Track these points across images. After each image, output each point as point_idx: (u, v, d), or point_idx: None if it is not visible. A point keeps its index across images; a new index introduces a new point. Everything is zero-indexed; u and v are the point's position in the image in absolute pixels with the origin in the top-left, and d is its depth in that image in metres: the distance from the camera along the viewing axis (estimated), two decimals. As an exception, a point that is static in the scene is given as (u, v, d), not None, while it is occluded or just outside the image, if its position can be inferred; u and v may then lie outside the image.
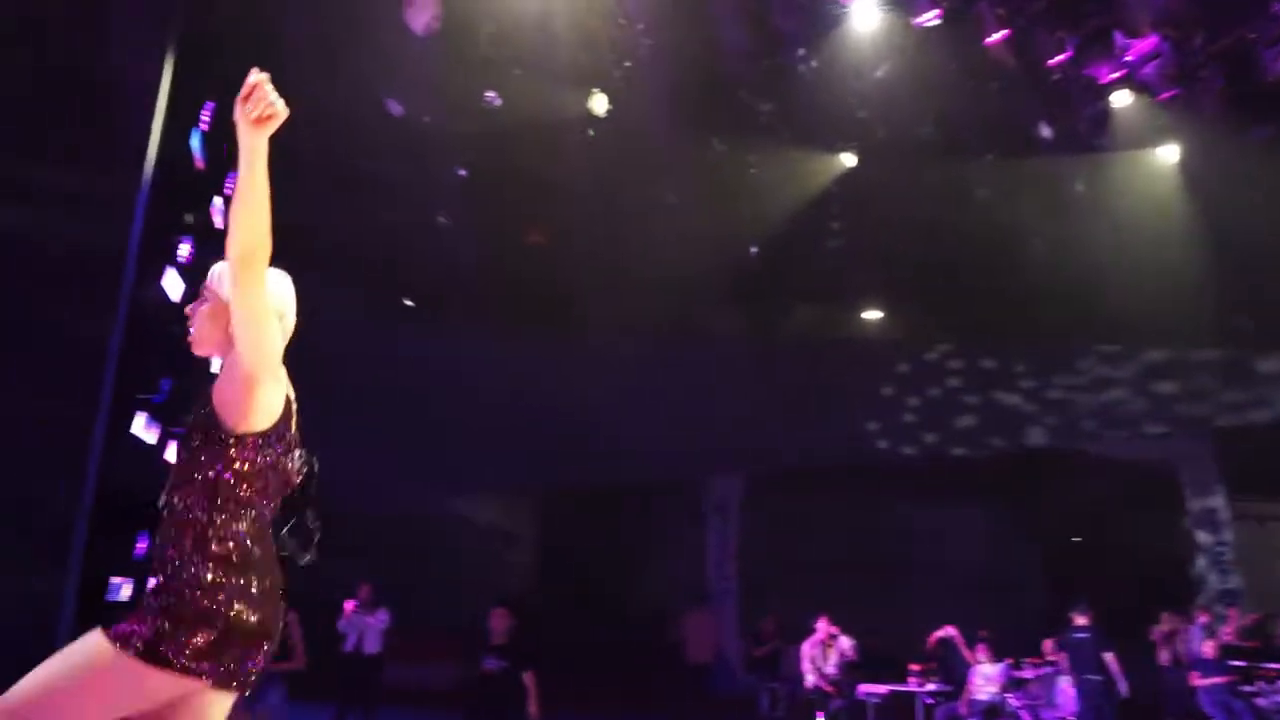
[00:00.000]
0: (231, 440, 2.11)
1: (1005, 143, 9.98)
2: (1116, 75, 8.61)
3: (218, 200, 8.11)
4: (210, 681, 1.99)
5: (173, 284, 6.75)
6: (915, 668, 9.90)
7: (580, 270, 10.91)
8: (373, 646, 8.46)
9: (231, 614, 2.01)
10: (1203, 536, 14.02)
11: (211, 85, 7.46)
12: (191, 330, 2.33)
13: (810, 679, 9.65)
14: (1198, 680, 9.26)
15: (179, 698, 2.02)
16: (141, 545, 6.82)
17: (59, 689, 1.95)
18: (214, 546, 2.05)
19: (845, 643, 9.75)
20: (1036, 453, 13.40)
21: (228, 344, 2.23)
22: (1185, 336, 11.86)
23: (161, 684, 1.97)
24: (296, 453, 2.28)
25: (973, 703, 9.22)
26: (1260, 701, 9.20)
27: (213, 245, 8.53)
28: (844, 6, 8.34)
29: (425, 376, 12.17)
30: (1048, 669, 9.61)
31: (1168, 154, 10.22)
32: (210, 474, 2.10)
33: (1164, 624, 10.02)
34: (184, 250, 7.03)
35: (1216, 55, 8.19)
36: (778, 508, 14.35)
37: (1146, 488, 14.00)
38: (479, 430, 12.24)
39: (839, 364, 13.18)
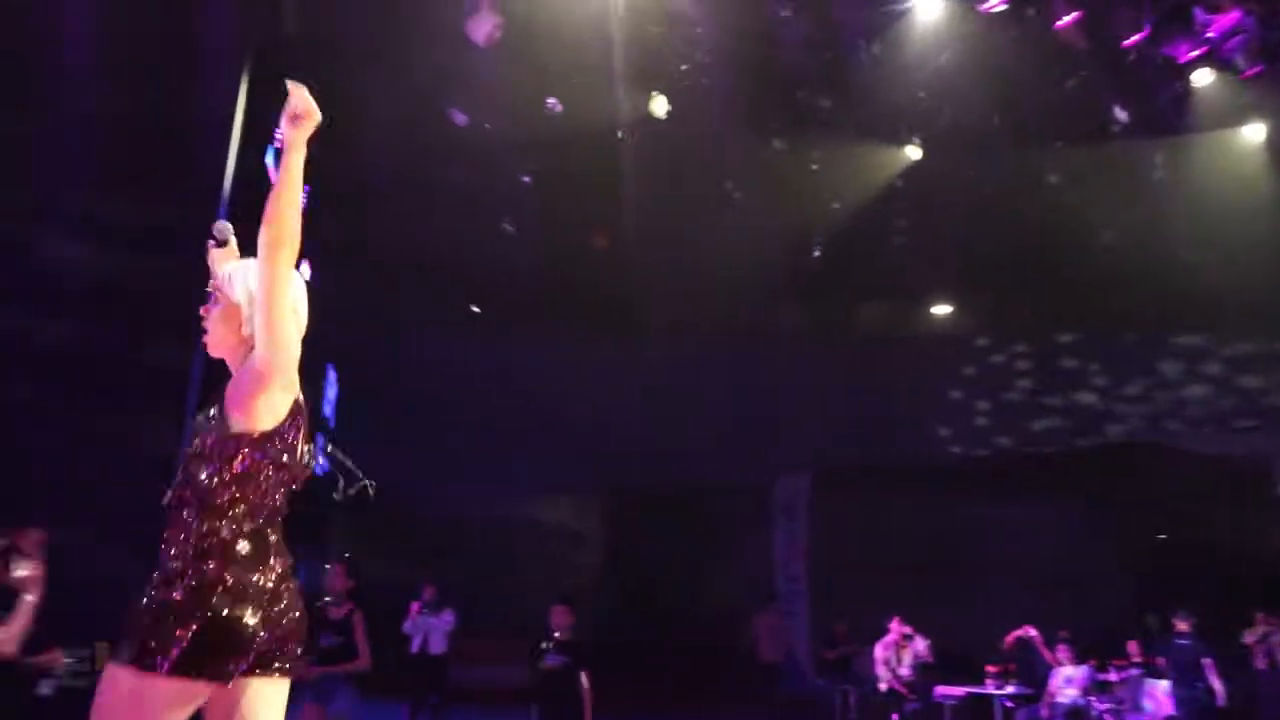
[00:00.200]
0: (231, 439, 2.13)
1: (1077, 128, 9.68)
2: (1197, 53, 8.28)
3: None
4: (204, 680, 1.98)
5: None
6: (993, 669, 9.64)
7: (644, 272, 10.94)
8: (438, 647, 8.57)
9: (213, 612, 2.00)
10: (1297, 534, 13.37)
11: (283, 103, 7.68)
12: (206, 333, 2.34)
13: (884, 681, 9.50)
14: (1296, 684, 8.84)
15: (215, 697, 2.02)
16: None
17: None
18: (205, 544, 2.07)
19: (919, 643, 9.57)
20: (1116, 448, 12.96)
21: (240, 346, 2.27)
22: (1274, 325, 11.34)
23: (159, 690, 1.96)
24: (302, 451, 2.27)
25: (1054, 706, 8.95)
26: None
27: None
28: (906, -4, 8.19)
29: (493, 381, 12.35)
30: (1133, 671, 9.29)
31: (1253, 133, 9.80)
32: (207, 473, 2.12)
33: (1258, 626, 9.58)
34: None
35: (1304, 29, 7.83)
36: (846, 507, 14.13)
37: (1235, 483, 13.40)
38: (546, 433, 12.37)
39: (908, 360, 12.94)
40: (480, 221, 10.55)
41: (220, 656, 2.01)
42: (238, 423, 2.15)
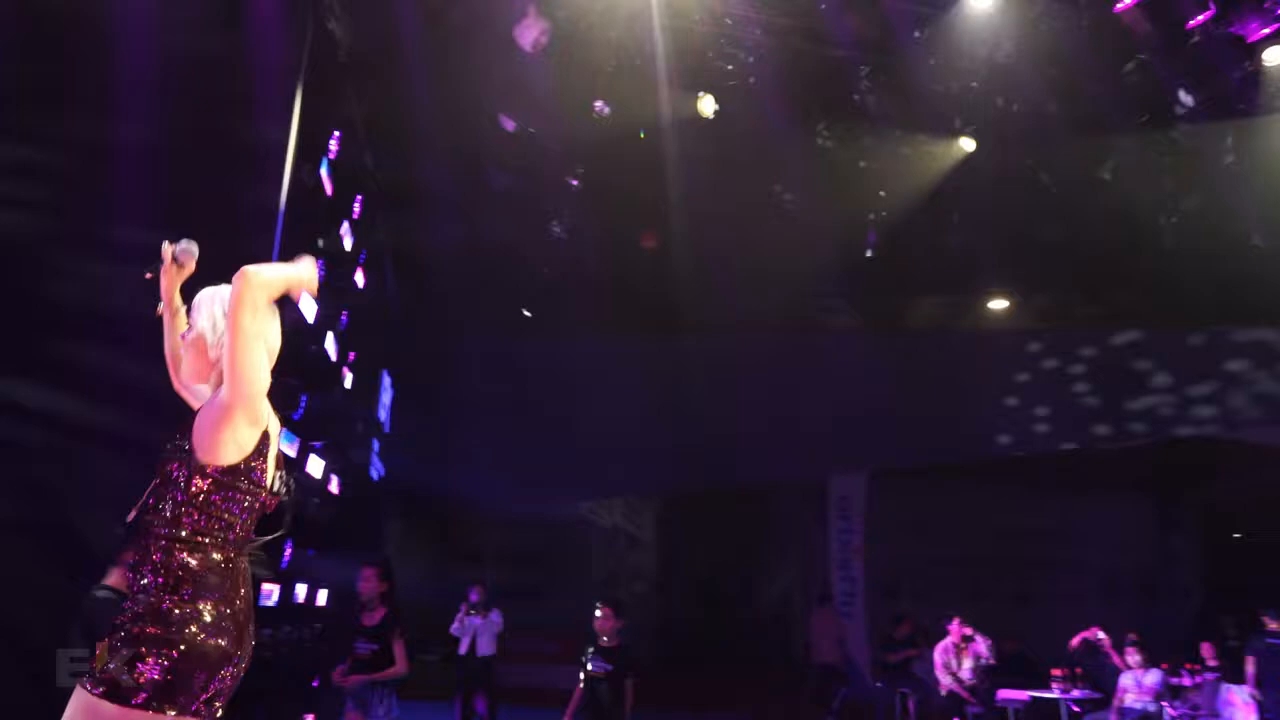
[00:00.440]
0: (198, 473, 2.16)
1: (1139, 114, 9.36)
2: (1268, 31, 7.95)
3: (345, 224, 8.50)
4: (174, 713, 2.00)
5: (307, 305, 7.11)
6: (1058, 672, 9.39)
7: (696, 272, 10.90)
8: (486, 648, 8.59)
9: (186, 645, 2.03)
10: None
11: (337, 114, 7.84)
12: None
13: (945, 683, 9.31)
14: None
15: None
16: (287, 554, 7.21)
17: None
18: (176, 575, 2.09)
19: (980, 645, 9.36)
20: (1186, 444, 12.54)
21: (209, 372, 2.32)
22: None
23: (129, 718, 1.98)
24: (272, 479, 2.31)
25: (1124, 711, 8.68)
26: None
27: (344, 268, 8.96)
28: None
29: (545, 383, 12.44)
30: (1209, 676, 8.96)
31: (1330, 115, 9.35)
32: (174, 502, 2.15)
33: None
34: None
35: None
36: (904, 506, 13.93)
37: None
38: (601, 434, 12.41)
39: (966, 355, 12.70)
40: (529, 225, 10.62)
41: (190, 689, 2.04)
42: (203, 455, 2.18)
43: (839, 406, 12.23)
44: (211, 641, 2.08)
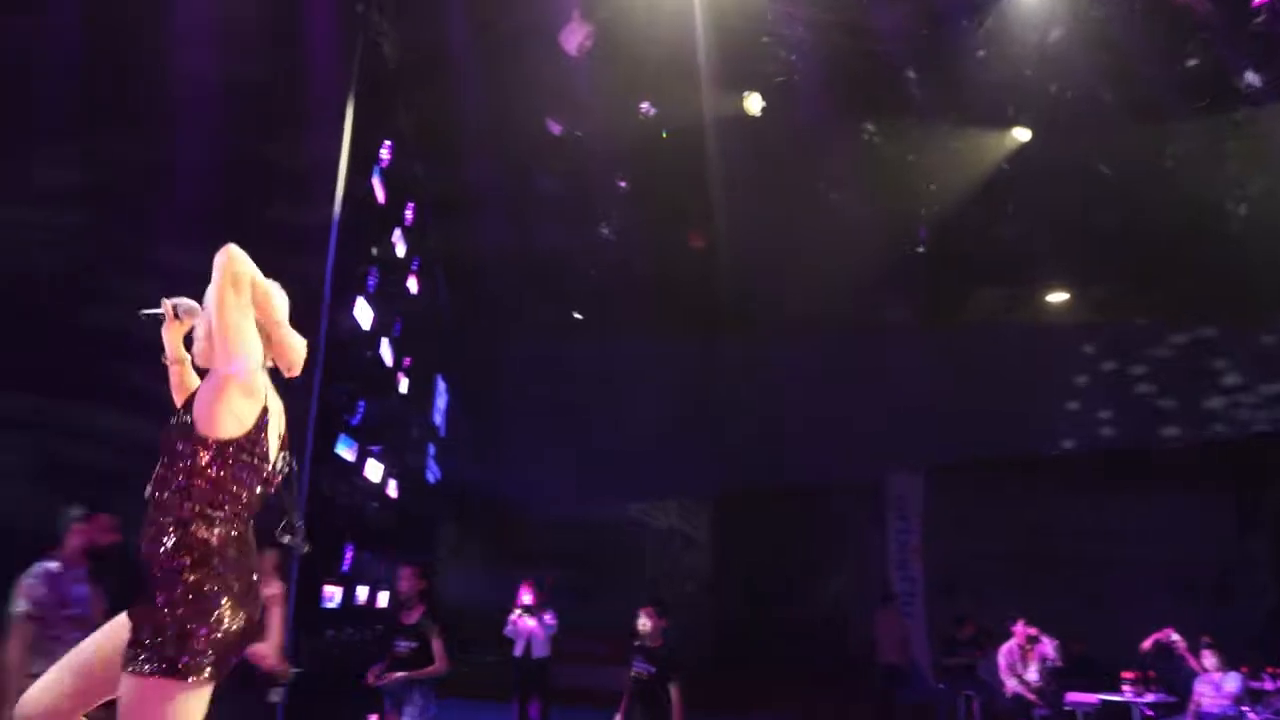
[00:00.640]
0: (202, 446, 2.21)
1: (1202, 97, 9.04)
2: (1337, 8, 7.64)
3: (398, 232, 8.64)
4: (217, 682, 2.13)
5: (363, 312, 7.25)
6: (1129, 676, 9.11)
7: (746, 271, 10.85)
8: (540, 650, 8.55)
9: (223, 616, 2.13)
10: None
11: (388, 124, 7.98)
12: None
13: (1010, 686, 9.10)
14: None
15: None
16: (349, 557, 7.34)
17: None
18: (198, 550, 2.17)
19: (1046, 646, 9.13)
20: (1262, 439, 12.07)
21: (213, 355, 2.34)
22: None
23: (199, 696, 2.10)
24: (276, 458, 2.36)
25: (1202, 716, 8.37)
26: None
27: (396, 274, 9.11)
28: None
29: (597, 385, 12.49)
30: (1291, 678, 8.62)
31: (1407, 92, 8.93)
32: (183, 479, 2.21)
33: None
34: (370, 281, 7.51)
35: None
36: (962, 504, 13.68)
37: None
38: (653, 435, 12.41)
39: (1025, 350, 12.42)
40: (578, 228, 10.69)
41: (229, 658, 2.17)
42: (204, 428, 2.23)
43: (894, 404, 12.05)
44: (244, 611, 2.20)
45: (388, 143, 7.91)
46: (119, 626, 2.23)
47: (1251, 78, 8.66)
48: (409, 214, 9.04)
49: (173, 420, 2.34)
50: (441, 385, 12.71)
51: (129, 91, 5.62)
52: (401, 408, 9.63)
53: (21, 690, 2.25)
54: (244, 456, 2.26)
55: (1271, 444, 12.10)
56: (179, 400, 2.56)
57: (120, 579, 3.97)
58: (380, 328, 7.96)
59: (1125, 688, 9.04)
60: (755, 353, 12.37)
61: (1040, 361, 12.44)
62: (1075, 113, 8.96)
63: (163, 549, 2.18)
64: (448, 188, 10.05)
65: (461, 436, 12.96)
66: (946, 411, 12.01)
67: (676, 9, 7.63)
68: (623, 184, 10.07)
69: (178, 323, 2.56)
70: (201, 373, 2.44)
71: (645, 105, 8.74)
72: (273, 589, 4.57)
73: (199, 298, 2.46)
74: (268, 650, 4.47)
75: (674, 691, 5.65)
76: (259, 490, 2.33)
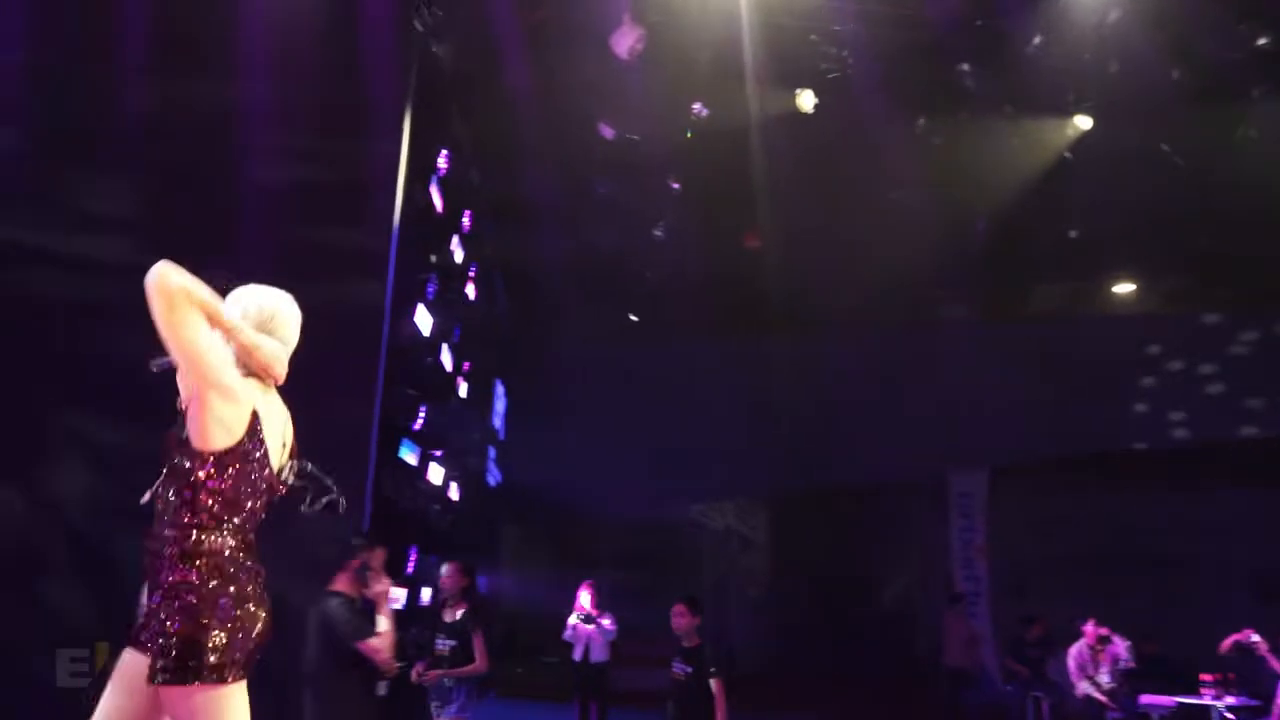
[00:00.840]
0: (199, 459, 2.27)
1: (1273, 75, 8.65)
2: None
3: (456, 239, 8.79)
4: (242, 679, 2.24)
5: (423, 319, 7.40)
6: (1208, 678, 8.81)
7: (803, 270, 10.78)
8: (599, 654, 8.50)
9: (248, 618, 2.25)
10: None
11: (445, 133, 8.13)
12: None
13: (1080, 688, 8.88)
14: None
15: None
16: (413, 559, 7.49)
17: None
18: (210, 560, 2.25)
19: (1119, 646, 8.89)
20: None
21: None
22: None
23: (243, 696, 2.22)
24: (281, 465, 2.43)
25: (1285, 719, 8.08)
26: None
27: (455, 281, 9.27)
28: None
29: (654, 387, 12.53)
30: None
31: None
32: (187, 490, 2.27)
33: None
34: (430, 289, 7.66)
35: None
36: (1030, 501, 13.36)
37: None
38: (711, 435, 12.40)
39: (1090, 343, 12.09)
40: (632, 231, 10.74)
41: (251, 658, 2.28)
42: (197, 441, 2.29)
43: (956, 402, 11.85)
44: (262, 612, 2.30)
45: (445, 152, 8.06)
46: (131, 663, 2.29)
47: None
48: (466, 221, 9.20)
49: (172, 435, 2.40)
50: (500, 389, 12.89)
51: (194, 112, 5.82)
52: (462, 412, 9.79)
53: None
54: (240, 465, 2.31)
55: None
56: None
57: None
58: (440, 334, 8.11)
59: (1204, 690, 8.74)
60: (810, 350, 12.27)
61: (1107, 356, 12.11)
62: (1138, 97, 8.68)
63: (174, 566, 2.26)
64: (504, 194, 10.19)
65: (520, 440, 13.11)
66: (1010, 408, 11.76)
67: (725, 9, 7.62)
68: (676, 185, 10.08)
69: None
70: None
71: (697, 106, 8.75)
72: (382, 585, 4.63)
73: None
74: (380, 645, 4.54)
75: (715, 686, 5.49)
76: (263, 497, 2.39)
